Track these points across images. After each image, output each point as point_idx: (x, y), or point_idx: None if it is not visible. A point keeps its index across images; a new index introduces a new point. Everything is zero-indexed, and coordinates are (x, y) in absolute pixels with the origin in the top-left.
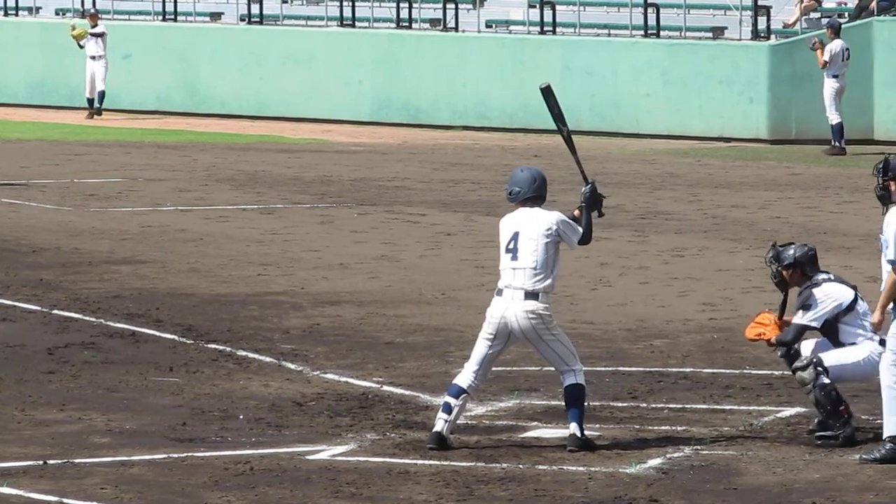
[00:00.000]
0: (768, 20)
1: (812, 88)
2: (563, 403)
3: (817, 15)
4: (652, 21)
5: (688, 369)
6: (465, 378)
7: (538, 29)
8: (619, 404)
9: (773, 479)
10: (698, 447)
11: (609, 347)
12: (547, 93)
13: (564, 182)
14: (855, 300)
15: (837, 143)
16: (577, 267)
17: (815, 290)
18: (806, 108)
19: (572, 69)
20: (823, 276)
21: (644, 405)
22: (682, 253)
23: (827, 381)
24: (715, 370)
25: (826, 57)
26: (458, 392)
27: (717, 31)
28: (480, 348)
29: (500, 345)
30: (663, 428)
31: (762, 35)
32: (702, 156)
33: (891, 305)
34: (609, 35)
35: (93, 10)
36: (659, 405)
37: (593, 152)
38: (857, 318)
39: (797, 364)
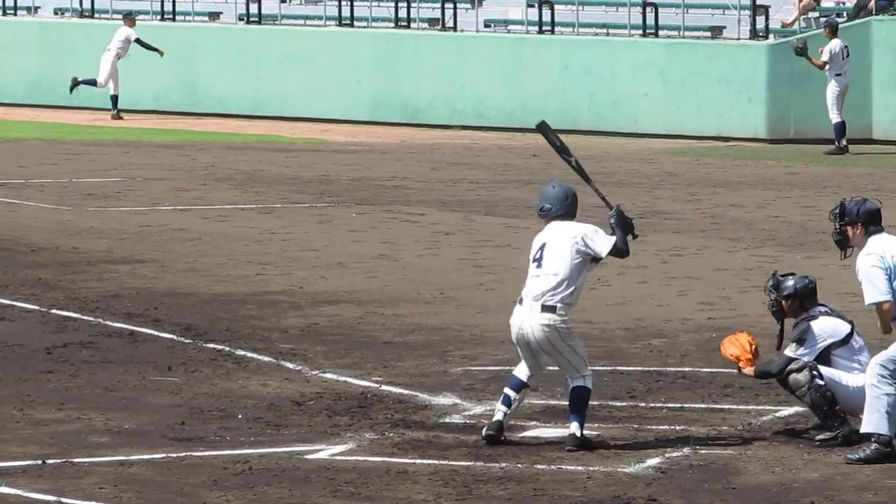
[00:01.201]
0: (767, 19)
1: (810, 88)
2: (564, 403)
3: (816, 14)
4: (650, 20)
5: (686, 368)
6: (522, 370)
7: (537, 28)
8: (618, 403)
9: (771, 479)
10: (697, 446)
11: (607, 347)
12: (543, 128)
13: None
14: (850, 335)
15: (839, 143)
16: None
17: (813, 324)
18: (804, 108)
19: (571, 69)
20: (821, 309)
21: (643, 404)
22: (680, 252)
23: (822, 382)
24: (713, 369)
25: (825, 57)
26: (519, 385)
27: (716, 31)
28: (520, 352)
29: (527, 350)
30: (662, 427)
31: (760, 34)
32: (700, 155)
33: None
34: (607, 34)
35: (130, 12)
36: (657, 404)
37: (592, 152)
38: (853, 353)
39: (792, 367)
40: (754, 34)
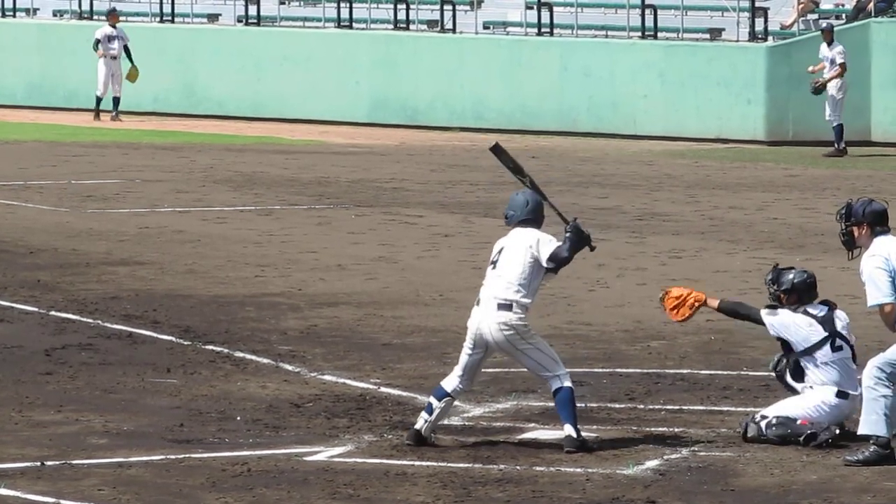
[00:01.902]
0: (766, 22)
1: (809, 90)
2: (559, 412)
3: (815, 16)
4: (649, 22)
5: (685, 371)
6: (450, 382)
7: (536, 30)
8: (617, 405)
9: (770, 481)
10: (696, 448)
11: (606, 349)
12: (497, 150)
13: (562, 183)
14: (824, 342)
15: (839, 146)
16: (574, 268)
17: (795, 313)
18: (803, 110)
19: (570, 70)
20: (814, 310)
21: (641, 406)
22: (679, 254)
23: (768, 420)
24: (712, 371)
25: (841, 59)
26: (442, 395)
27: (715, 33)
28: (463, 356)
29: (480, 353)
30: (661, 429)
31: (759, 36)
32: (699, 157)
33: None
34: (607, 36)
35: (113, 9)
36: (656, 406)
37: (591, 153)
38: (817, 363)
39: (743, 433)
40: (753, 36)
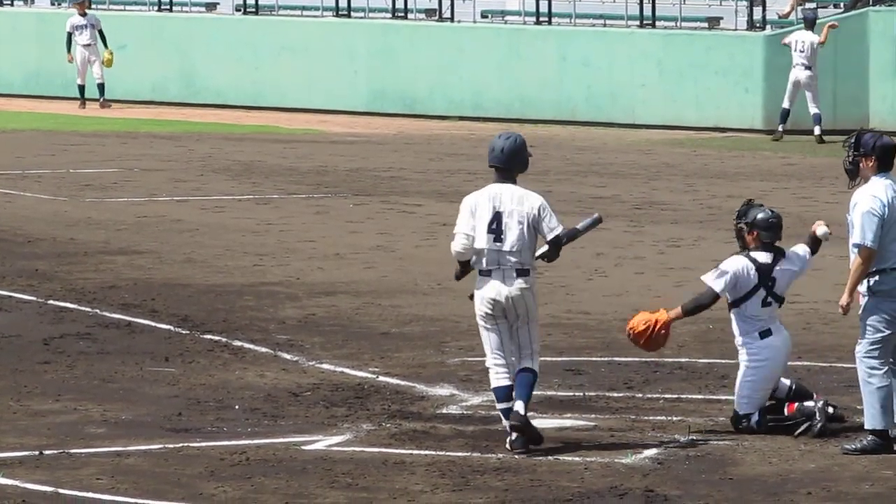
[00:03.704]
0: (764, 10)
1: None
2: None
3: (812, 5)
4: (648, 11)
5: (683, 359)
6: (500, 378)
7: (534, 19)
8: (615, 394)
9: (768, 469)
10: (694, 437)
11: (604, 337)
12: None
13: (560, 172)
14: (752, 292)
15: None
16: (572, 257)
17: (736, 258)
18: (802, 99)
19: (568, 60)
20: (758, 257)
21: (640, 395)
22: (677, 243)
23: (752, 417)
24: (710, 360)
25: (822, 37)
26: (507, 394)
27: (713, 22)
28: (490, 337)
29: (504, 323)
30: (659, 418)
31: (758, 25)
32: (697, 146)
33: (862, 286)
34: (605, 25)
35: None
36: (654, 395)
37: (589, 143)
38: (744, 316)
39: (735, 430)
40: (751, 25)
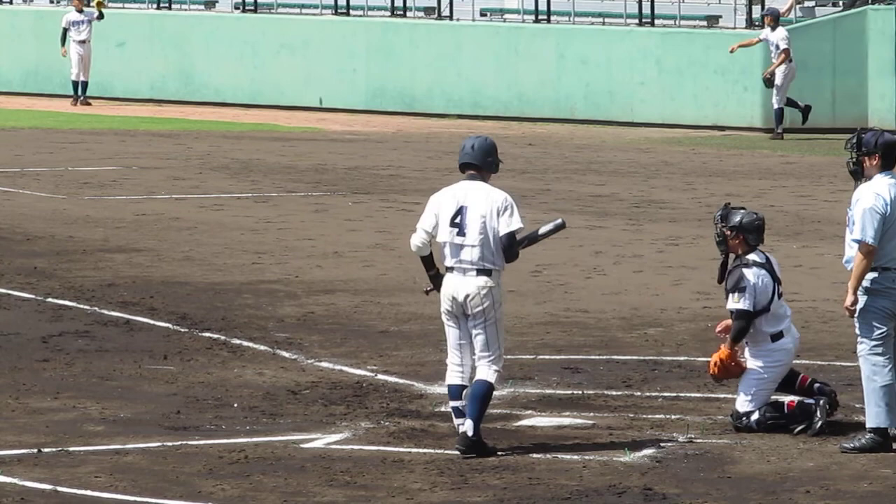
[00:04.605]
0: (762, 9)
1: (806, 77)
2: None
3: (811, 3)
4: (646, 10)
5: (682, 358)
6: (454, 376)
7: (533, 17)
8: (614, 393)
9: (766, 468)
10: (692, 436)
11: (603, 336)
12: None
13: (559, 171)
14: (773, 291)
15: (777, 129)
16: (571, 255)
17: (745, 272)
18: (800, 97)
19: (567, 58)
20: (756, 258)
21: (638, 394)
22: (676, 241)
23: (752, 416)
24: (709, 359)
25: (785, 45)
26: (459, 392)
27: (712, 20)
28: (452, 333)
29: (464, 321)
30: (657, 416)
31: (756, 23)
32: (696, 144)
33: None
34: (603, 23)
35: None
36: (653, 394)
37: (588, 141)
38: (766, 318)
39: (735, 427)
40: (750, 23)
